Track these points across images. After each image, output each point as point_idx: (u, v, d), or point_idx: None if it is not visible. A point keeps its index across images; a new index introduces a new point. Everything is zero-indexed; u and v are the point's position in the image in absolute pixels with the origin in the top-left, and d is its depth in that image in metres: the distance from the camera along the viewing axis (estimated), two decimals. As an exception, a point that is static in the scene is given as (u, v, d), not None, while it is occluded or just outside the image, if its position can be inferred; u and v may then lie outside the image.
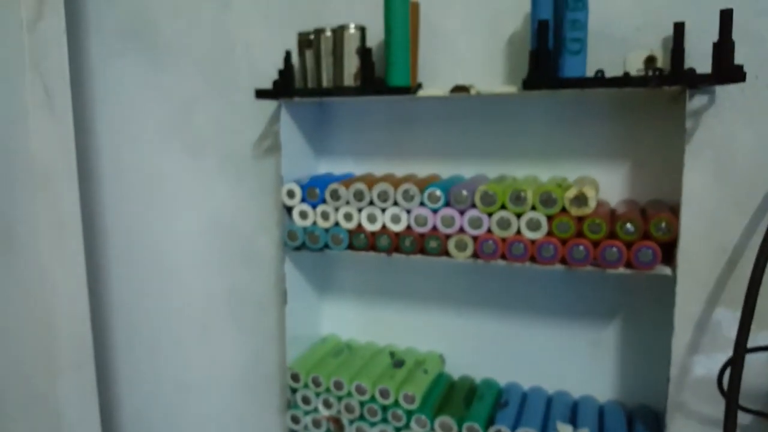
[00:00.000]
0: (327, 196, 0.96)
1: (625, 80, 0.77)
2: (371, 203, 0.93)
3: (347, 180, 0.97)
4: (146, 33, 1.23)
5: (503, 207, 0.84)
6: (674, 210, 0.80)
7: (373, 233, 0.94)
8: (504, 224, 0.85)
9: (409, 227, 0.92)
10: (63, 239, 1.13)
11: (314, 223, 0.98)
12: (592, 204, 0.79)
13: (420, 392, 0.96)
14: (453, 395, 1.00)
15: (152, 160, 1.27)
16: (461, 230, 0.88)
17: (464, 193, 0.86)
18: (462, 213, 0.87)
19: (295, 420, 1.05)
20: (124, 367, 1.38)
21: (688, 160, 0.80)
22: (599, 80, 0.78)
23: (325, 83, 0.97)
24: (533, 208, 0.83)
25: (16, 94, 1.08)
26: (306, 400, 1.03)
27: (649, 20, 0.86)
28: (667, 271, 0.78)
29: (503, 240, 0.85)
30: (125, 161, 1.30)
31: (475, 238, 0.87)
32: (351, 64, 0.94)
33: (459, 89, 0.86)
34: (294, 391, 1.05)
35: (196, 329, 1.31)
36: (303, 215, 0.99)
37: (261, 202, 1.19)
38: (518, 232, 0.84)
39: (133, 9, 1.23)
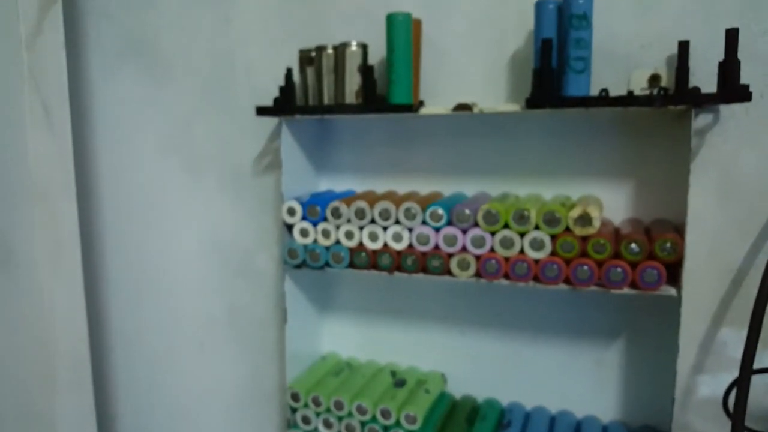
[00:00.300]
0: (328, 214, 0.95)
1: (629, 99, 0.76)
2: (373, 221, 0.93)
3: (348, 198, 0.96)
4: (146, 49, 1.22)
5: (506, 226, 0.84)
6: (679, 229, 0.79)
7: (374, 251, 0.93)
8: (507, 243, 0.84)
9: (411, 246, 0.91)
10: (61, 257, 1.12)
11: (315, 241, 0.97)
12: (597, 224, 0.78)
13: (422, 412, 0.95)
14: (455, 415, 0.99)
15: (151, 177, 1.27)
16: (464, 249, 0.87)
17: (467, 212, 0.86)
18: (465, 232, 0.86)
19: (295, 440, 1.04)
20: (122, 386, 1.37)
21: (693, 180, 0.79)
22: (603, 99, 0.77)
23: (326, 100, 0.96)
24: (537, 227, 0.82)
25: (14, 110, 1.07)
26: (306, 420, 1.02)
27: (654, 39, 0.85)
28: (672, 291, 0.77)
29: (506, 259, 0.84)
30: (124, 178, 1.29)
31: (477, 258, 0.86)
32: (352, 82, 0.94)
33: (462, 107, 0.86)
34: (294, 410, 1.03)
35: (195, 347, 1.30)
36: (304, 233, 0.98)
37: (261, 219, 1.18)
38: (521, 251, 0.84)
39: (133, 25, 1.23)
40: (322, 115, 0.96)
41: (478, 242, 0.85)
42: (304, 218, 0.98)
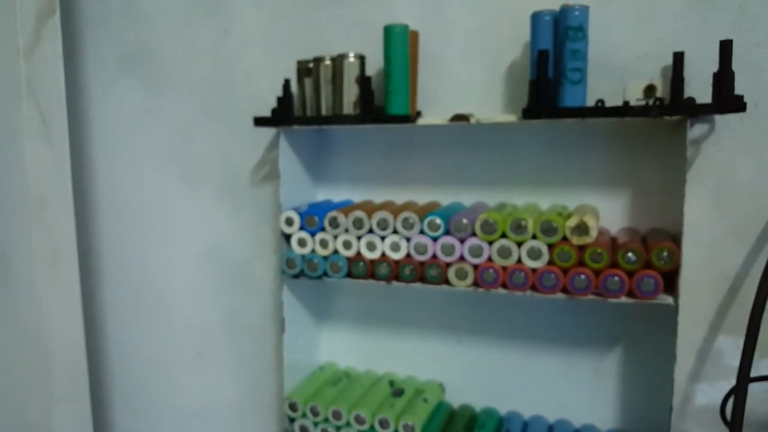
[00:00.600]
0: (326, 224, 0.95)
1: (625, 110, 0.77)
2: (371, 231, 0.93)
3: (346, 207, 0.97)
4: (144, 60, 1.23)
5: (504, 236, 0.84)
6: (675, 239, 0.79)
7: (372, 261, 0.94)
8: (505, 253, 0.84)
9: (408, 255, 0.91)
10: (58, 268, 1.12)
11: (313, 250, 0.98)
12: (594, 233, 0.79)
13: (420, 422, 0.95)
14: (453, 424, 0.99)
15: (149, 187, 1.27)
16: (461, 259, 0.87)
17: (464, 221, 0.86)
18: (462, 241, 0.87)
19: (293, 450, 1.03)
20: (119, 396, 1.36)
21: (689, 189, 0.80)
22: (600, 110, 0.78)
23: (324, 111, 0.97)
24: (534, 236, 0.83)
25: (12, 120, 1.07)
26: (304, 430, 1.02)
27: (649, 50, 0.86)
28: (669, 300, 0.78)
29: (504, 269, 0.85)
30: (122, 189, 1.29)
31: (475, 267, 0.87)
32: (350, 93, 0.94)
33: (459, 118, 0.86)
34: (292, 420, 1.03)
35: (193, 357, 1.29)
36: (301, 243, 0.98)
37: (259, 229, 1.18)
38: (519, 260, 0.84)
39: (131, 36, 1.23)
40: (319, 125, 0.96)
41: (476, 252, 0.86)
42: (302, 228, 0.98)
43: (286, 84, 0.98)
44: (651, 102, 0.80)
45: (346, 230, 0.94)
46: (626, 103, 0.80)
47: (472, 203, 1.00)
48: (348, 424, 0.98)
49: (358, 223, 0.93)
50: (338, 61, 0.95)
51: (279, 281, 1.04)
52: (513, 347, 1.03)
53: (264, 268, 1.19)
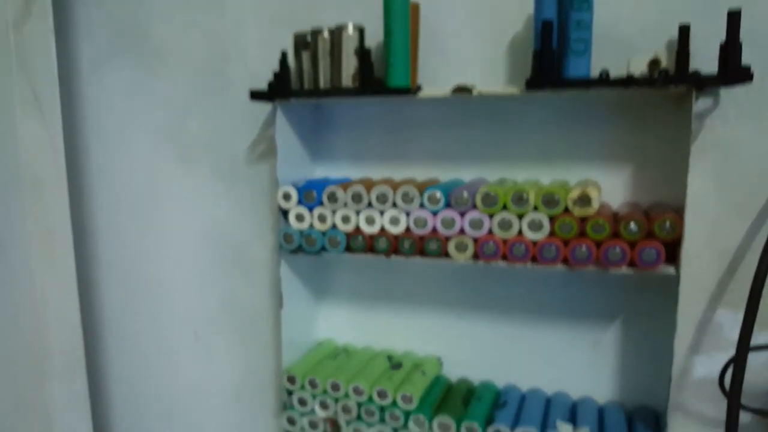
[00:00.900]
0: (324, 199, 0.95)
1: (630, 80, 0.76)
2: (370, 205, 0.92)
3: (345, 183, 0.96)
4: (138, 37, 1.20)
5: (505, 208, 0.84)
6: (677, 213, 0.79)
7: (371, 236, 0.93)
8: (505, 225, 0.84)
9: (408, 229, 0.91)
10: (53, 246, 1.11)
11: (311, 225, 0.97)
12: (596, 205, 0.79)
13: (418, 393, 0.95)
14: (451, 396, 0.99)
15: (144, 166, 1.25)
16: (462, 232, 0.87)
17: (465, 194, 0.85)
18: (462, 215, 0.86)
19: (291, 422, 1.03)
20: (116, 377, 1.36)
21: (692, 163, 0.79)
22: (604, 81, 0.77)
23: (322, 84, 0.96)
24: (535, 208, 0.82)
25: (3, 95, 1.05)
26: (302, 402, 1.02)
27: (654, 23, 0.85)
28: (670, 270, 0.78)
29: (504, 241, 0.85)
30: (116, 168, 1.27)
31: (475, 240, 0.86)
32: (349, 65, 0.93)
33: (461, 90, 0.86)
34: (290, 393, 1.03)
35: (190, 337, 1.29)
36: (299, 218, 0.97)
37: (256, 208, 1.17)
38: (520, 233, 0.84)
39: (125, 13, 1.21)
40: (318, 98, 0.95)
41: (477, 224, 0.85)
42: (299, 203, 0.97)
43: (283, 57, 0.96)
44: (656, 74, 0.79)
45: (345, 205, 0.94)
46: (630, 77, 0.79)
47: (471, 179, 0.99)
48: (347, 395, 0.98)
49: (357, 198, 0.92)
50: (337, 33, 0.93)
51: (276, 259, 1.03)
52: (512, 322, 1.03)
53: (261, 248, 1.18)
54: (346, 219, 0.94)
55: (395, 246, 0.92)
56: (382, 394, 0.96)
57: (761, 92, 0.82)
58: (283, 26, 1.06)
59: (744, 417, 0.88)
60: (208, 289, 1.24)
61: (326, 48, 0.95)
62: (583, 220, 0.80)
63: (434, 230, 0.89)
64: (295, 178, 1.03)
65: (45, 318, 1.10)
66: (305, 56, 0.97)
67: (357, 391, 0.98)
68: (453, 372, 1.08)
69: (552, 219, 0.81)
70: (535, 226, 0.82)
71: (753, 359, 0.86)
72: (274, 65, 0.98)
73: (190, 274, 1.25)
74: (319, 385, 1.00)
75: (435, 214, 0.88)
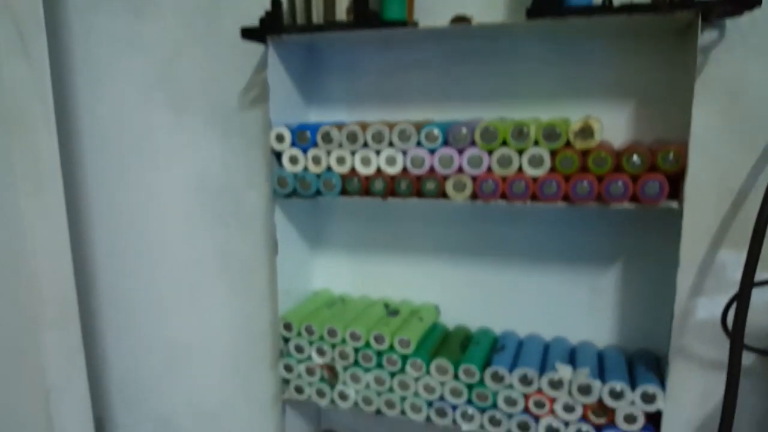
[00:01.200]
0: (318, 139, 0.92)
1: (634, 7, 0.73)
2: (365, 145, 0.90)
3: (340, 124, 0.93)
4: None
5: (504, 144, 0.81)
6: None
7: (367, 177, 0.91)
8: (505, 162, 0.81)
9: (405, 170, 0.88)
10: (43, 193, 1.08)
11: (305, 168, 0.94)
12: (598, 137, 0.76)
13: (415, 337, 0.94)
14: (448, 342, 0.98)
15: (134, 116, 1.22)
16: (460, 170, 0.85)
17: (464, 131, 0.83)
18: (461, 152, 0.84)
19: (288, 369, 1.02)
20: (111, 329, 1.34)
21: (697, 98, 0.77)
22: (607, 8, 0.74)
23: (315, 20, 0.92)
24: (536, 143, 0.80)
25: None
26: (299, 349, 1.01)
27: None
28: (673, 204, 0.76)
29: (504, 179, 0.82)
30: (106, 118, 1.24)
31: (474, 178, 0.84)
32: (343, -1, 0.90)
33: (459, 20, 0.83)
34: (287, 340, 1.02)
35: (185, 289, 1.27)
36: (293, 160, 0.95)
37: (249, 156, 1.15)
38: (520, 170, 0.81)
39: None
40: (311, 33, 0.91)
41: (475, 162, 0.83)
42: (293, 145, 0.95)
43: (276, -8, 0.93)
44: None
45: (340, 145, 0.91)
46: (634, 3, 0.76)
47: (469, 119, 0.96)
48: (343, 341, 0.97)
49: (352, 137, 0.90)
50: (330, -35, 0.90)
51: (271, 207, 1.01)
52: (510, 268, 1.01)
53: (255, 197, 1.16)
54: (341, 160, 0.91)
55: (392, 187, 0.90)
56: (379, 339, 0.95)
57: (768, 25, 0.79)
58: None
59: (745, 360, 0.87)
60: (203, 240, 1.22)
61: (320, -18, 0.91)
62: (585, 153, 0.78)
63: (432, 169, 0.86)
64: (289, 122, 1.00)
65: (36, 264, 1.08)
66: (298, -9, 0.94)
67: (354, 337, 0.96)
68: (450, 320, 1.07)
69: (553, 154, 0.79)
70: (536, 161, 0.80)
71: (756, 298, 0.85)
72: (266, 3, 0.95)
73: (184, 223, 1.23)
74: (316, 332, 0.99)
75: (432, 152, 0.86)
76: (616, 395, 0.83)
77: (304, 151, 0.94)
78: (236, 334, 1.24)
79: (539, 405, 0.87)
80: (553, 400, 0.87)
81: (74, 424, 1.19)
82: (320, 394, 1.02)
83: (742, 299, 0.76)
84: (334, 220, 1.11)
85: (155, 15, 1.16)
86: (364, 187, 0.91)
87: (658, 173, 0.75)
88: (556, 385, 0.86)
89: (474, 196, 0.85)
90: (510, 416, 0.89)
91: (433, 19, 0.94)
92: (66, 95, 1.23)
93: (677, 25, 0.80)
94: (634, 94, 0.88)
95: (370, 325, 0.97)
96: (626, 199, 0.77)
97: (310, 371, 1.01)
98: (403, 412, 0.96)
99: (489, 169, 0.83)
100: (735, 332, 0.77)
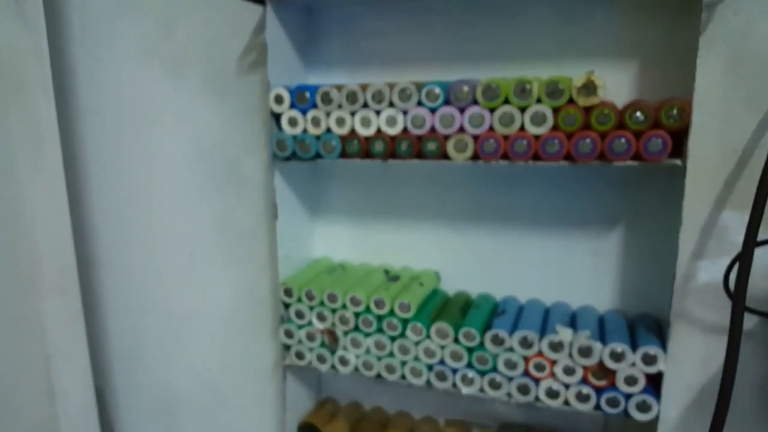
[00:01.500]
0: (318, 100, 0.91)
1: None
2: (365, 106, 0.89)
3: (339, 86, 0.92)
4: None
5: (507, 102, 0.80)
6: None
7: (367, 138, 0.90)
8: (507, 120, 0.80)
9: (405, 130, 0.87)
10: (41, 159, 1.07)
11: (304, 130, 0.94)
12: (601, 93, 0.75)
13: (416, 302, 0.93)
14: (449, 307, 0.98)
15: (131, 82, 1.20)
16: (461, 130, 0.83)
17: (465, 88, 0.82)
18: (462, 111, 0.83)
19: (289, 335, 1.02)
20: (110, 297, 1.34)
21: (701, 57, 0.75)
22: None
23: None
24: (538, 101, 0.79)
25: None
26: (300, 315, 1.00)
27: None
28: (676, 161, 0.75)
29: (505, 138, 0.81)
30: (102, 83, 1.22)
31: (475, 138, 0.83)
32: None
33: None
34: (287, 306, 1.01)
35: (184, 259, 1.26)
36: (292, 122, 0.94)
37: (248, 122, 1.13)
38: (522, 128, 0.80)
39: None
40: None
41: (477, 121, 0.82)
42: (292, 106, 0.94)
43: (275, -49, 0.91)
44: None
45: (340, 106, 0.90)
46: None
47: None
48: (344, 306, 0.96)
49: (351, 97, 0.89)
50: None
51: (270, 174, 1.00)
52: (510, 233, 1.00)
53: (254, 164, 1.14)
54: (340, 121, 0.90)
55: (392, 149, 0.89)
56: (379, 304, 0.94)
57: (778, -24, 0.78)
58: None
59: (747, 324, 0.86)
60: (201, 207, 1.21)
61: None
62: (588, 111, 0.77)
63: (433, 129, 0.85)
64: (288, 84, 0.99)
65: (34, 230, 1.07)
66: (297, -49, 0.92)
67: (354, 302, 0.96)
68: (451, 286, 1.06)
69: (555, 111, 0.78)
70: (538, 119, 0.79)
71: (760, 261, 0.84)
72: (265, -36, 0.93)
73: (182, 191, 1.22)
74: (316, 297, 0.99)
75: (433, 111, 0.85)
76: (617, 357, 0.82)
77: (304, 112, 0.93)
78: (236, 302, 1.23)
79: (539, 368, 0.87)
80: (553, 363, 0.86)
81: (75, 391, 1.19)
82: (321, 359, 1.01)
83: (744, 258, 0.75)
84: (334, 186, 1.10)
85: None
86: (364, 149, 0.90)
87: (661, 130, 0.74)
88: (556, 347, 0.85)
89: (475, 156, 0.84)
90: (510, 379, 0.89)
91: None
92: (62, 60, 1.21)
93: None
94: (638, 53, 0.87)
95: (371, 290, 0.97)
96: (629, 157, 0.76)
97: (310, 337, 1.01)
98: (403, 377, 0.96)
99: (491, 129, 0.82)
100: (737, 292, 0.76)
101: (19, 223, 1.07)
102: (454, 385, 0.93)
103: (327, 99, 0.90)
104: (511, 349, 0.87)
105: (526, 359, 0.87)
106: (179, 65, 1.15)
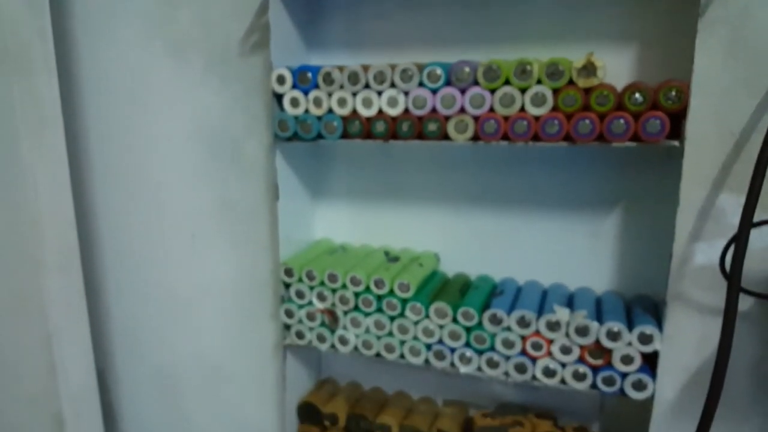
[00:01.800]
0: (320, 81, 0.92)
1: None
2: (367, 86, 0.89)
3: (342, 66, 0.93)
4: None
5: (507, 83, 0.81)
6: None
7: (368, 119, 0.91)
8: (507, 101, 0.81)
9: (407, 111, 0.88)
10: (44, 135, 1.08)
11: (306, 111, 0.94)
12: (601, 74, 0.76)
13: (415, 282, 0.94)
14: (448, 287, 0.99)
15: (133, 63, 1.21)
16: (462, 111, 0.84)
17: (466, 69, 0.82)
18: (463, 92, 0.83)
19: (289, 314, 1.03)
20: (112, 277, 1.35)
21: (700, 39, 0.76)
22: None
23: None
24: (539, 82, 0.79)
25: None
26: (300, 295, 1.01)
27: None
28: (674, 143, 0.75)
29: (506, 119, 0.82)
30: (105, 63, 1.23)
31: (476, 119, 0.84)
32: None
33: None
34: (288, 286, 1.02)
35: (186, 240, 1.27)
36: (294, 103, 0.95)
37: (250, 105, 1.14)
38: (522, 109, 0.81)
39: None
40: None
41: (478, 101, 0.83)
42: (294, 87, 0.94)
43: (278, -69, 0.92)
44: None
45: (341, 87, 0.91)
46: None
47: (472, 61, 0.96)
48: (344, 286, 0.97)
49: (353, 78, 0.89)
50: None
51: (271, 155, 1.00)
52: (510, 215, 1.01)
53: (255, 145, 1.15)
54: (342, 102, 0.91)
55: (393, 129, 0.89)
56: (379, 284, 0.95)
57: (779, -45, 0.78)
58: None
59: (743, 305, 0.87)
60: (203, 189, 1.22)
61: None
62: (587, 92, 0.77)
63: (434, 110, 0.86)
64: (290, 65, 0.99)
65: (38, 210, 1.08)
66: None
67: (354, 282, 0.97)
68: (450, 268, 1.07)
69: (555, 92, 0.79)
70: (539, 100, 0.79)
71: (756, 242, 0.85)
72: (268, -57, 0.93)
73: (183, 172, 1.23)
74: (317, 277, 1.00)
75: (435, 92, 0.85)
76: (614, 336, 0.84)
77: (305, 93, 0.93)
78: (237, 282, 1.24)
79: (536, 347, 0.88)
80: (550, 342, 0.88)
81: (76, 369, 1.21)
82: (321, 339, 1.02)
83: (740, 240, 0.76)
84: (335, 168, 1.11)
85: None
86: (366, 130, 0.91)
87: (659, 111, 0.74)
88: (553, 326, 0.86)
89: (476, 137, 0.84)
90: (507, 358, 0.90)
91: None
92: (65, 39, 1.22)
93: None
94: (637, 36, 0.87)
95: (371, 270, 0.98)
96: (627, 138, 0.76)
97: (310, 316, 1.02)
98: (402, 356, 0.97)
99: (491, 109, 0.83)
100: (732, 273, 0.77)
101: (21, 202, 1.08)
102: (452, 364, 0.94)
103: (329, 79, 0.91)
104: (508, 329, 0.88)
105: (524, 338, 0.88)
106: (182, 46, 1.16)
